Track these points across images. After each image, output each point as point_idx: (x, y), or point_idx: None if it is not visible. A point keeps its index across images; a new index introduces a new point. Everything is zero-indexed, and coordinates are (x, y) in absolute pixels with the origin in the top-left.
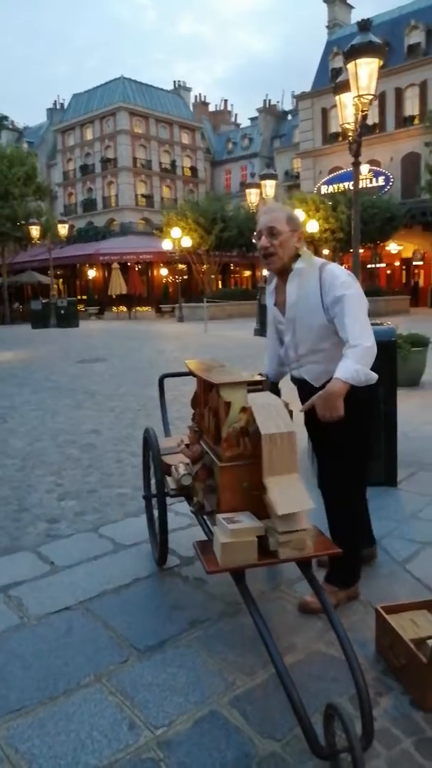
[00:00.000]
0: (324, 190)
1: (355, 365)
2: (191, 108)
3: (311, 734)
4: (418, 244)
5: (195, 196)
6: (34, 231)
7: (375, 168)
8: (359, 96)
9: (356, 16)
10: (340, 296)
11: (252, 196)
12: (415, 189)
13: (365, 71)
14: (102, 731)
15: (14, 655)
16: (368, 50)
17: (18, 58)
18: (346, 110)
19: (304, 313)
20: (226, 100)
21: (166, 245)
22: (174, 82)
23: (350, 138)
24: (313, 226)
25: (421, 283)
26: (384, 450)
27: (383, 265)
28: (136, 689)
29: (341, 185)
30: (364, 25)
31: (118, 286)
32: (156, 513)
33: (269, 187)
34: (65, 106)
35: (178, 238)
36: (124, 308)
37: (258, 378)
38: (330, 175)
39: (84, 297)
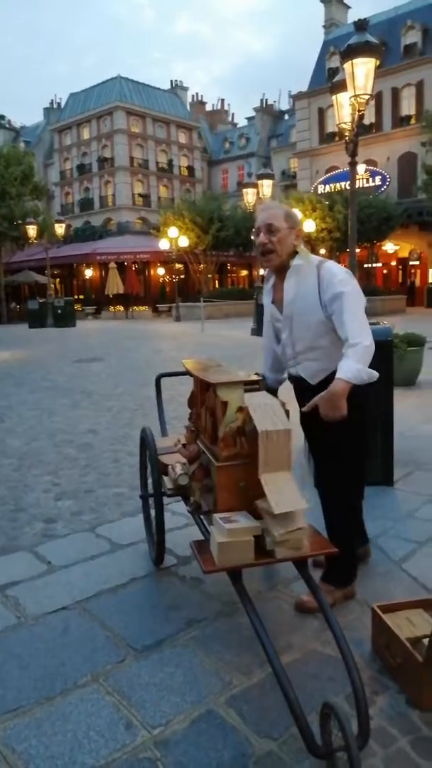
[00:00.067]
0: (321, 189)
1: (356, 365)
2: (188, 107)
3: (308, 733)
4: (414, 243)
5: (192, 196)
6: (31, 230)
7: (372, 168)
8: (356, 96)
9: (353, 16)
10: (338, 293)
11: (249, 195)
12: (412, 189)
13: (362, 71)
14: (99, 731)
15: (11, 655)
16: (365, 50)
17: (16, 57)
18: (343, 110)
19: (302, 310)
20: (223, 100)
21: (163, 245)
22: (171, 81)
23: (347, 138)
24: (309, 226)
25: (418, 282)
26: (380, 449)
27: (380, 264)
28: (133, 689)
29: (338, 185)
30: (361, 25)
31: (115, 285)
32: (153, 513)
33: (266, 186)
34: (62, 105)
35: (175, 238)
36: (121, 308)
37: (255, 378)
38: (327, 175)
39: (81, 296)
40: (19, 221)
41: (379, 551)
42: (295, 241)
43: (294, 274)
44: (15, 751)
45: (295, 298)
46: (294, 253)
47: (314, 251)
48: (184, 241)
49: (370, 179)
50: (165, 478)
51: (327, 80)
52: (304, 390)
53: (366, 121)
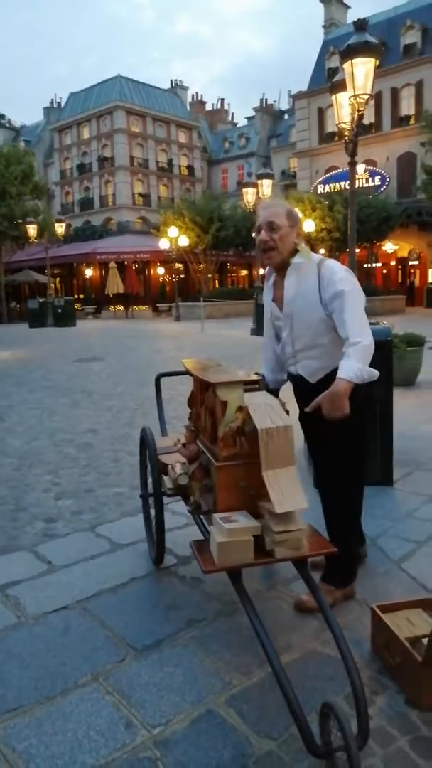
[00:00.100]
0: (320, 189)
1: (357, 364)
2: (188, 107)
3: (307, 733)
4: (414, 243)
5: (192, 195)
6: (31, 230)
7: (371, 168)
8: (355, 96)
9: (352, 16)
10: (338, 291)
11: (249, 195)
12: (411, 189)
13: (361, 71)
14: (99, 730)
15: (12, 655)
16: (364, 50)
17: (16, 57)
18: (343, 110)
19: (302, 308)
20: (222, 100)
21: (163, 244)
22: (171, 81)
23: (346, 137)
24: (309, 226)
25: (417, 282)
26: (380, 449)
27: (379, 264)
28: (133, 688)
29: (337, 185)
30: (361, 25)
31: (115, 285)
32: (153, 512)
33: (266, 186)
34: (62, 104)
35: (175, 237)
36: (121, 307)
37: (254, 377)
38: (326, 175)
39: (81, 296)
40: (20, 220)
41: (378, 551)
42: (296, 239)
43: (294, 272)
44: (15, 750)
45: (295, 295)
46: (295, 251)
47: (314, 251)
48: (184, 241)
49: (370, 179)
50: (165, 478)
51: (327, 80)
52: (303, 389)
53: (365, 121)
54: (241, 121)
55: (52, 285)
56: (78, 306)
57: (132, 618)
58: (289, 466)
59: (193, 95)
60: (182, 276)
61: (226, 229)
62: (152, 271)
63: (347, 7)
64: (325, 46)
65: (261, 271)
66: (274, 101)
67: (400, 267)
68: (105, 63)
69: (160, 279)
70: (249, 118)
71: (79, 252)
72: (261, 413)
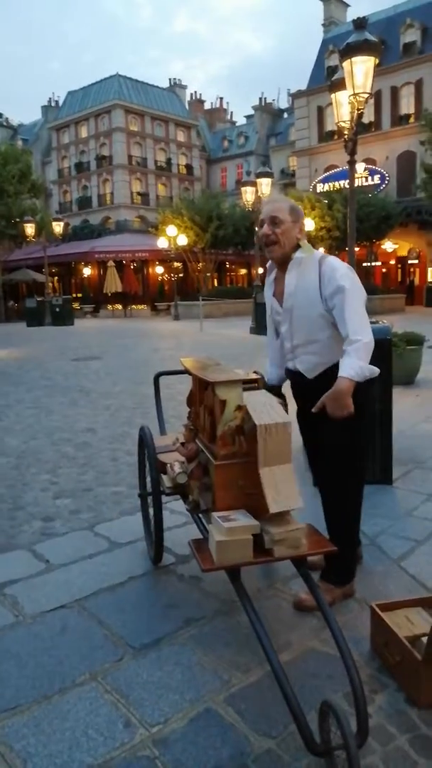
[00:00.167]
0: (320, 188)
1: (358, 362)
2: (187, 106)
3: (306, 731)
4: (413, 242)
5: (190, 194)
6: (29, 229)
7: (371, 166)
8: (355, 94)
9: (352, 15)
10: (339, 288)
11: (248, 194)
12: (411, 187)
13: (361, 69)
14: (97, 729)
15: (9, 654)
16: (364, 48)
17: (13, 55)
18: (342, 108)
19: (302, 303)
20: (221, 98)
21: (162, 243)
22: (169, 79)
23: (346, 136)
24: (308, 225)
25: (417, 281)
26: (379, 448)
27: (379, 263)
28: (131, 687)
29: (337, 183)
30: (360, 24)
31: (113, 284)
32: (151, 511)
33: (265, 185)
34: (60, 103)
35: (174, 236)
36: (119, 306)
37: (253, 376)
38: (326, 174)
39: (79, 295)
40: (17, 219)
41: (377, 550)
42: (298, 234)
43: (296, 267)
44: (13, 749)
45: (296, 290)
46: (297, 247)
47: None
48: (182, 240)
49: (369, 178)
50: (163, 477)
51: (326, 79)
52: (301, 386)
53: (365, 120)
54: (240, 120)
55: (50, 284)
56: (76, 305)
57: (130, 617)
58: (286, 463)
59: (191, 94)
60: (181, 275)
61: (225, 228)
62: (151, 270)
63: (347, 5)
64: (325, 44)
65: (260, 270)
66: (273, 100)
67: (399, 266)
68: (102, 61)
69: (159, 278)
70: (248, 117)
71: (77, 251)
72: (260, 410)
